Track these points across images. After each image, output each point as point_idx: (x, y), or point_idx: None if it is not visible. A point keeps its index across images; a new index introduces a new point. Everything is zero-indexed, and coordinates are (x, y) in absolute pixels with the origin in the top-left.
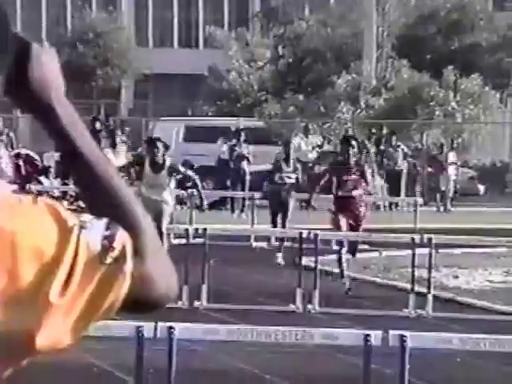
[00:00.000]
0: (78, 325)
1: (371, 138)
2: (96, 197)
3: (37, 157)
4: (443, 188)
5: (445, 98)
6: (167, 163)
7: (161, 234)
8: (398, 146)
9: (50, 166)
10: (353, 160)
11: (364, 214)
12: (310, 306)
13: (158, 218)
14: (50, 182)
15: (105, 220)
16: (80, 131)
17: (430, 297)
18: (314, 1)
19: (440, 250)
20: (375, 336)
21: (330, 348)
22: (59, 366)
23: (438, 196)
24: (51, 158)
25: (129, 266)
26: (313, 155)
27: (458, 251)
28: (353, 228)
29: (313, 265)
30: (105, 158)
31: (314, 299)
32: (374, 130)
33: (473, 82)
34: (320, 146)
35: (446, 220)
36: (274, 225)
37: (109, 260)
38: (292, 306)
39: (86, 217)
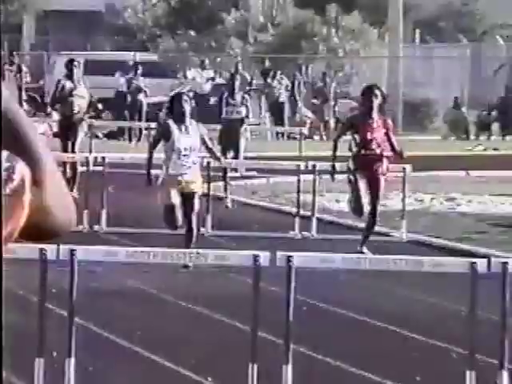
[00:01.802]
0: None
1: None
2: None
3: None
4: (327, 118)
5: (327, 33)
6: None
7: None
8: (282, 79)
9: None
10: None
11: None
12: (203, 229)
13: None
14: None
15: (5, 152)
16: None
17: (314, 219)
18: None
19: (323, 176)
20: (264, 257)
21: (222, 268)
22: None
23: (322, 126)
24: None
25: (27, 196)
26: (207, 87)
27: (340, 177)
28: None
29: (206, 191)
30: (7, 93)
31: (206, 223)
32: (264, 64)
33: (353, 18)
34: (213, 79)
35: (329, 148)
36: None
37: (8, 191)
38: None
39: None
